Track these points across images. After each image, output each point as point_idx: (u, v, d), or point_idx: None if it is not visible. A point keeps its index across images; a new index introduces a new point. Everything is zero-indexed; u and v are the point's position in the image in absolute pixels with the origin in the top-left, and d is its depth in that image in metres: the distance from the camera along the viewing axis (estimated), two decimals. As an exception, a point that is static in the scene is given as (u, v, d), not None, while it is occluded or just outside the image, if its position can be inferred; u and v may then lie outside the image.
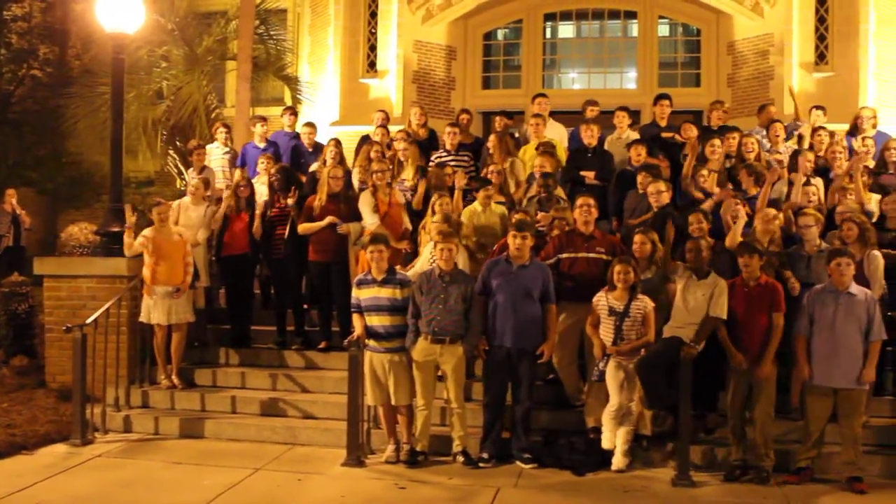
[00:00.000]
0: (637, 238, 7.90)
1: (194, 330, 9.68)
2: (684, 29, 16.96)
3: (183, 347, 9.33)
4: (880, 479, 7.30)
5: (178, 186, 15.46)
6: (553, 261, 8.06)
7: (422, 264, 8.34)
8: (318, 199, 9.42)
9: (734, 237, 8.05)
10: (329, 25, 16.59)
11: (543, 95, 11.98)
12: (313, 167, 10.97)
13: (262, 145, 11.79)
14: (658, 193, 8.71)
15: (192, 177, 10.40)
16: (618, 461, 7.42)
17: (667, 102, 11.19)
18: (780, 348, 7.29)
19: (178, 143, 15.73)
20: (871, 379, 7.21)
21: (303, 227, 9.42)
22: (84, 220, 15.66)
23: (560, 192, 9.42)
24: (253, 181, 10.51)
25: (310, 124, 12.34)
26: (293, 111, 12.71)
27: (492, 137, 10.78)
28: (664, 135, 10.82)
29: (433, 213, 8.76)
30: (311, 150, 11.75)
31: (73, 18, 18.54)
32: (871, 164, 10.07)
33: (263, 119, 12.26)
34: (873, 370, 7.13)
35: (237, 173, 11.01)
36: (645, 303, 7.44)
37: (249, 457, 7.84)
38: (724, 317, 7.35)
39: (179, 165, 15.59)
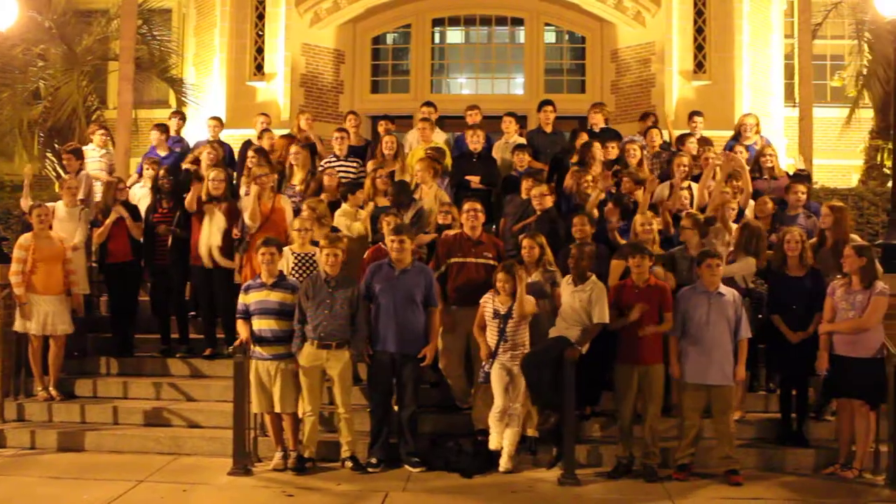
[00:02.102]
0: (525, 242, 8.00)
1: (73, 339, 9.35)
2: (570, 36, 17.27)
3: (61, 358, 9.02)
4: (756, 471, 7.65)
5: (55, 190, 14.94)
6: (443, 269, 8.12)
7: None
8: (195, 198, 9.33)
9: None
10: (215, 27, 16.26)
11: (431, 104, 12.03)
12: (185, 165, 10.71)
13: (163, 153, 11.51)
14: (541, 197, 8.86)
15: (66, 179, 10.05)
16: (505, 462, 7.52)
17: (550, 108, 11.37)
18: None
19: (56, 145, 15.20)
20: (742, 376, 7.55)
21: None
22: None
23: (444, 195, 9.51)
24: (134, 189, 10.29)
25: (215, 118, 12.17)
26: (181, 115, 12.44)
27: (388, 138, 10.75)
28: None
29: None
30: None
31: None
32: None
33: (163, 127, 11.93)
34: (744, 367, 7.46)
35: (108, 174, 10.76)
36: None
37: (132, 469, 7.64)
38: (607, 320, 7.52)
39: (58, 168, 15.06)
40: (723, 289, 7.48)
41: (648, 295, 7.51)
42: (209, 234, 9.19)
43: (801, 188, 9.32)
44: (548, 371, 7.39)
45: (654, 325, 7.43)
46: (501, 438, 7.52)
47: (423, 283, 7.71)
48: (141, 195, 10.59)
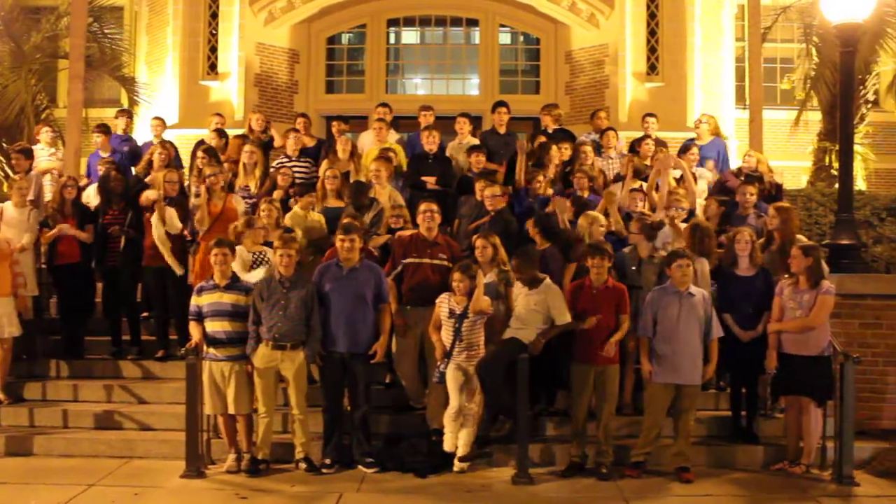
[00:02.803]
0: (478, 242, 8.01)
1: (22, 342, 9.17)
2: (525, 38, 17.39)
3: (9, 361, 8.87)
4: (706, 468, 7.75)
5: (4, 190, 14.69)
6: (399, 269, 8.12)
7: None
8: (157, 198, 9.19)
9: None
10: (168, 25, 16.12)
11: (386, 105, 12.01)
12: (137, 169, 10.59)
13: (104, 154, 11.36)
14: (493, 198, 8.88)
15: (15, 179, 9.88)
16: (459, 462, 7.54)
17: (504, 110, 11.41)
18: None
19: (3, 144, 14.92)
20: (710, 376, 7.65)
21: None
22: None
23: (397, 196, 9.52)
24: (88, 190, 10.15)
25: (158, 118, 12.02)
26: (128, 114, 12.29)
27: (342, 139, 10.72)
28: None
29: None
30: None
31: None
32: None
33: (104, 129, 11.76)
34: (713, 368, 7.56)
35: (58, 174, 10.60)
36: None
37: (83, 473, 7.53)
38: (569, 320, 7.55)
39: (6, 168, 14.79)
40: (693, 289, 7.54)
41: (606, 296, 7.55)
42: (161, 235, 9.08)
43: (751, 189, 9.45)
44: (504, 376, 7.43)
45: (613, 342, 7.49)
46: (456, 439, 7.54)
47: (372, 280, 7.70)
48: (92, 195, 10.44)
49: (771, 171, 10.86)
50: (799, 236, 8.46)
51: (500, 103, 11.65)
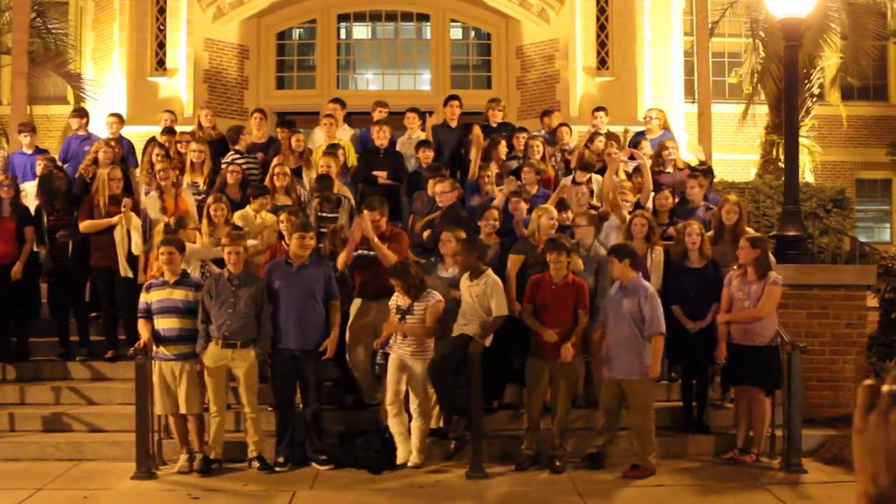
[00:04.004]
0: (443, 235, 7.98)
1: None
2: (476, 33, 17.41)
3: (-48, 365, 8.68)
4: (658, 458, 7.64)
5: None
6: (351, 260, 8.05)
7: None
8: (98, 202, 9.03)
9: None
10: (114, 21, 15.85)
11: (339, 101, 11.92)
12: (81, 167, 10.38)
13: (29, 152, 11.09)
14: (442, 193, 8.88)
15: None
16: (414, 457, 7.51)
17: (456, 103, 11.44)
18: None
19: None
20: (654, 373, 7.54)
21: (86, 225, 8.99)
22: None
23: (346, 192, 9.45)
24: (26, 187, 9.92)
25: (115, 115, 11.81)
26: (83, 113, 12.04)
27: (296, 136, 10.60)
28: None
29: (209, 219, 8.61)
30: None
31: None
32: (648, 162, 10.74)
33: (30, 128, 11.47)
34: (657, 363, 7.51)
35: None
36: (427, 300, 7.52)
37: (30, 476, 7.39)
38: (506, 313, 7.57)
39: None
40: (635, 283, 7.50)
41: (565, 292, 7.54)
42: (123, 237, 8.89)
43: (695, 183, 9.53)
44: (454, 374, 7.46)
45: (569, 345, 7.44)
46: (398, 425, 7.52)
47: (322, 276, 7.67)
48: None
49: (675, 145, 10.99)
50: (746, 228, 8.57)
51: (453, 97, 11.68)
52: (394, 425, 7.55)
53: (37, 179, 10.14)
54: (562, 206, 9.00)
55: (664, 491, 7.09)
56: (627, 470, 7.40)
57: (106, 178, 9.14)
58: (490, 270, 7.69)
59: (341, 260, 8.03)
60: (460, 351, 7.46)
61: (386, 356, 7.66)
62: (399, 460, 7.50)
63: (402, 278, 7.45)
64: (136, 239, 8.79)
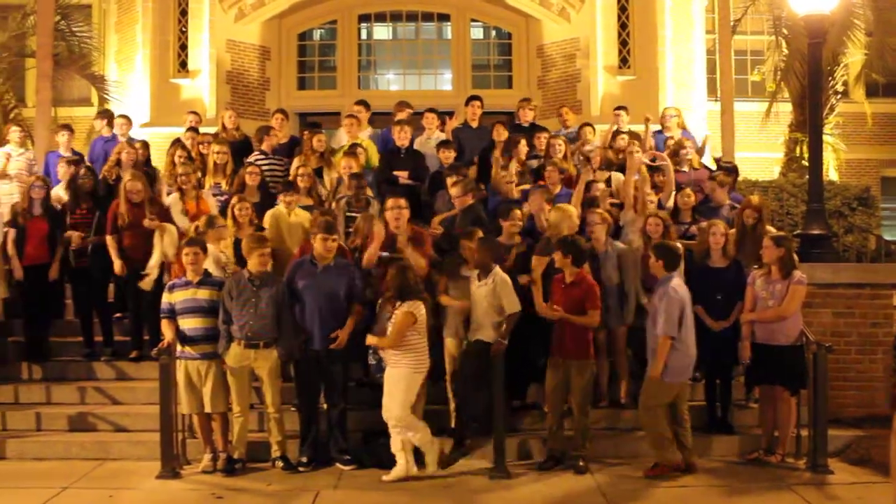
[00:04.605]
0: (463, 242, 7.95)
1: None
2: (497, 32, 17.38)
3: (-21, 364, 8.76)
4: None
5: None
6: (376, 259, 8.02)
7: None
8: (122, 208, 9.09)
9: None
10: (137, 23, 15.98)
11: (364, 103, 11.90)
12: (105, 169, 10.44)
13: (66, 154, 11.20)
14: (457, 197, 8.80)
15: None
16: (432, 466, 7.40)
17: (479, 104, 11.45)
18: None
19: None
20: (652, 374, 7.37)
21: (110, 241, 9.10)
22: None
23: (369, 192, 9.47)
24: (57, 189, 10.01)
25: (123, 116, 11.89)
26: (108, 115, 12.13)
27: (318, 136, 10.62)
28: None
29: (234, 219, 8.64)
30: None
31: None
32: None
33: (69, 129, 11.61)
34: (658, 364, 7.29)
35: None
36: (398, 310, 7.28)
37: (56, 476, 7.46)
38: (518, 309, 7.50)
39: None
40: (662, 282, 7.41)
41: (574, 291, 7.49)
42: (161, 250, 8.91)
43: (715, 185, 9.45)
44: (472, 384, 7.48)
45: (554, 305, 7.41)
46: (409, 458, 7.34)
47: (345, 278, 7.66)
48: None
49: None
50: (768, 227, 8.50)
51: (475, 97, 11.68)
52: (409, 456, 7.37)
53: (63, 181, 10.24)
54: (589, 203, 8.98)
55: (689, 491, 7.05)
56: (648, 469, 7.40)
57: (123, 190, 9.13)
58: (497, 268, 7.60)
59: (367, 258, 7.99)
60: (477, 359, 7.43)
61: (379, 357, 7.61)
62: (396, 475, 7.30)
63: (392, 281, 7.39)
64: (171, 250, 8.78)
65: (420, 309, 7.26)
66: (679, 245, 7.92)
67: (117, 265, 9.09)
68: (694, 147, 10.88)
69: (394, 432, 7.29)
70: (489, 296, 7.53)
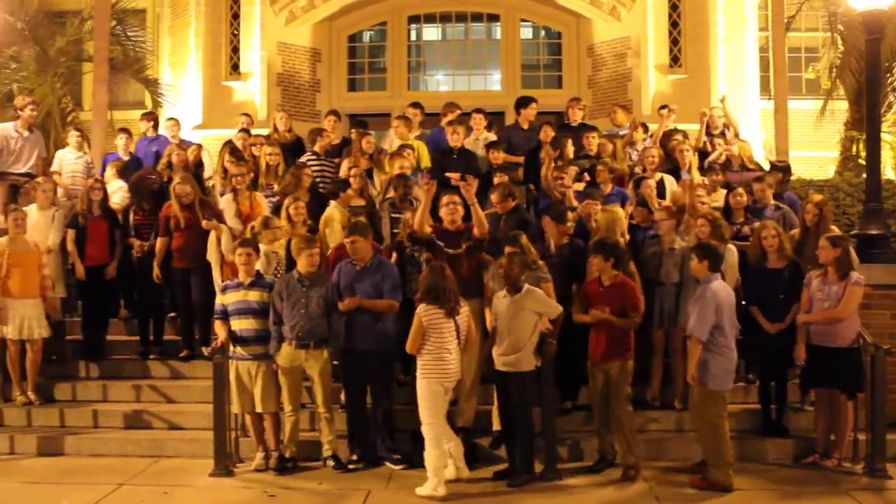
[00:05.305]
0: (506, 249, 7.87)
1: (51, 343, 9.24)
2: (546, 32, 17.33)
3: (39, 362, 8.91)
4: (737, 462, 7.41)
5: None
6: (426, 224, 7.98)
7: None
8: (175, 211, 9.21)
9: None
10: (190, 27, 16.23)
11: (418, 105, 11.94)
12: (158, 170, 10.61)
13: (125, 158, 11.41)
14: (497, 203, 8.62)
15: (39, 181, 9.94)
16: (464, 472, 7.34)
17: (535, 105, 11.50)
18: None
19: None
20: (688, 376, 7.25)
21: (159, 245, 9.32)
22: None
23: (417, 192, 9.46)
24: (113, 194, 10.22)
25: (172, 119, 12.08)
26: (152, 116, 12.34)
27: (367, 138, 10.65)
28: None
29: (289, 219, 8.68)
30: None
31: None
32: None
33: (127, 132, 11.82)
34: (691, 365, 7.15)
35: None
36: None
37: (113, 472, 7.59)
38: (560, 310, 7.34)
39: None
40: (700, 283, 7.26)
41: (613, 294, 7.40)
42: (216, 250, 9.03)
43: (764, 186, 9.31)
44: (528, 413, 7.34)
45: (597, 312, 7.32)
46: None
47: (383, 277, 7.65)
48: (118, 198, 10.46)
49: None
50: (831, 227, 8.33)
51: (531, 99, 11.64)
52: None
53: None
54: (642, 202, 8.91)
55: (742, 496, 6.94)
56: (696, 478, 7.22)
57: (173, 193, 9.25)
58: (527, 285, 7.30)
59: (418, 220, 7.85)
60: (528, 396, 7.28)
61: None
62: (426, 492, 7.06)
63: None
64: (228, 250, 8.83)
65: (431, 314, 7.04)
66: (728, 246, 7.84)
67: (155, 270, 9.27)
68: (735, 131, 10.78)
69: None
70: (514, 305, 7.19)
